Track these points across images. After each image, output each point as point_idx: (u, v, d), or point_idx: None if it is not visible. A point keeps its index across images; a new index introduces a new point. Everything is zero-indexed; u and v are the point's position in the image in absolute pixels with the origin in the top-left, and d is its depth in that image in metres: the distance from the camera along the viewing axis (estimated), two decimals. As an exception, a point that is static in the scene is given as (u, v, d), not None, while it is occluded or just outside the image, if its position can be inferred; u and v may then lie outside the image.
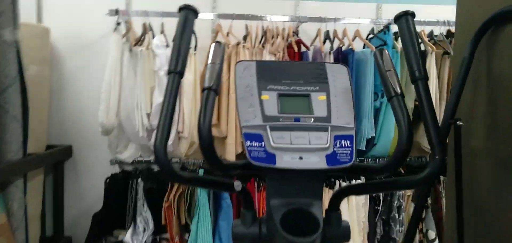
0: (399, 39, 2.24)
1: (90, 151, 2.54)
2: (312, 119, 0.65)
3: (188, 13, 0.73)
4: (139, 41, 2.19)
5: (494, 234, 0.75)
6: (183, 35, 0.71)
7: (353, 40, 2.24)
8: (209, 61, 0.68)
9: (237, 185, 0.66)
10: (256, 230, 0.65)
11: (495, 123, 0.74)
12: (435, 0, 2.55)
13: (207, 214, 2.16)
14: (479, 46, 0.76)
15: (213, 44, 0.71)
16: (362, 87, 2.12)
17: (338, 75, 0.72)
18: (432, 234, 2.12)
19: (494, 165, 0.74)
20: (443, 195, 2.24)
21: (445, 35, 2.26)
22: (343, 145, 0.63)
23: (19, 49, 1.86)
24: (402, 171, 2.31)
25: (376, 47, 2.12)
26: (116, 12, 2.17)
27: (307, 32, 2.43)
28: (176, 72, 0.68)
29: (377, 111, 2.17)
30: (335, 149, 0.63)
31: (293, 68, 0.73)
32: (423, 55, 2.00)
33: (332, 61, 2.17)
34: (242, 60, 0.75)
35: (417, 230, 2.19)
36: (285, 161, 0.60)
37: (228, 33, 2.23)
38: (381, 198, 2.18)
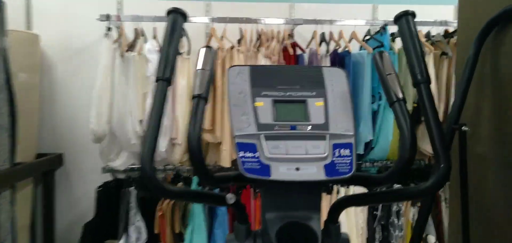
0: (397, 39, 2.21)
1: (82, 159, 2.48)
2: (309, 127, 0.61)
3: (176, 17, 0.69)
4: (131, 47, 2.14)
5: (503, 244, 0.71)
6: (171, 40, 0.67)
7: (349, 41, 2.20)
8: (199, 66, 0.64)
9: (230, 198, 0.62)
10: None
11: (502, 127, 0.70)
12: (432, 0, 2.53)
13: (202, 223, 2.11)
14: (484, 46, 0.72)
15: (203, 48, 0.66)
16: (360, 90, 2.08)
17: (335, 79, 0.68)
18: (432, 238, 2.09)
19: (502, 171, 0.70)
20: (442, 198, 2.21)
21: (442, 36, 2.23)
22: (342, 154, 0.59)
23: (7, 56, 1.81)
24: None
25: (373, 49, 2.09)
26: (107, 17, 2.12)
27: (303, 35, 2.39)
28: (164, 79, 0.63)
29: (374, 114, 2.13)
30: (333, 158, 0.59)
31: (288, 73, 0.69)
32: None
33: (328, 63, 2.13)
34: (235, 65, 0.70)
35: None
36: (280, 172, 0.56)
37: (222, 37, 2.19)
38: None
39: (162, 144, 2.09)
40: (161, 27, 2.14)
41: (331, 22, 2.21)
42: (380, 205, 2.14)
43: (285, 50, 2.16)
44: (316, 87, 0.66)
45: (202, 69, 0.63)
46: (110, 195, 2.25)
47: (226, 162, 2.13)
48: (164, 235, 2.15)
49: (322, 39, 2.24)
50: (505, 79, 0.69)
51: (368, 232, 2.15)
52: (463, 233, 0.73)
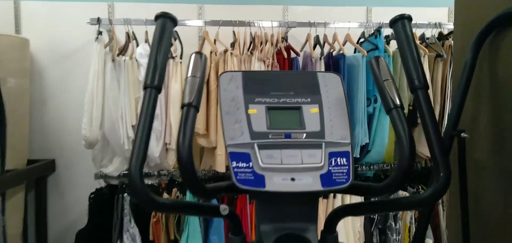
0: (391, 42, 2.21)
1: (74, 165, 2.45)
2: (304, 135, 0.60)
3: (165, 22, 0.67)
4: (123, 50, 2.11)
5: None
6: (160, 46, 0.65)
7: (343, 44, 2.19)
8: (189, 74, 0.62)
9: (224, 209, 0.61)
10: None
11: (500, 133, 0.68)
12: (425, 2, 2.53)
13: (197, 229, 2.08)
14: (481, 51, 0.70)
15: (193, 55, 0.64)
16: (355, 93, 2.07)
17: (331, 85, 0.67)
18: (429, 242, 2.07)
19: (501, 178, 0.69)
20: (439, 201, 2.20)
21: (437, 38, 2.23)
22: (339, 163, 0.58)
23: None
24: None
25: (367, 51, 2.08)
26: (98, 20, 2.09)
27: (296, 38, 2.38)
28: (153, 87, 0.61)
29: (370, 117, 2.12)
30: (330, 168, 0.57)
31: (282, 79, 0.68)
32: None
33: (322, 66, 2.12)
34: (227, 71, 0.68)
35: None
36: (275, 183, 0.54)
37: (215, 40, 2.17)
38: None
39: (156, 149, 2.06)
40: (153, 31, 2.11)
41: (325, 24, 2.20)
42: (377, 209, 2.13)
43: (279, 53, 2.14)
44: (311, 93, 0.64)
45: (193, 76, 0.61)
46: (103, 201, 2.21)
47: (221, 167, 2.10)
48: (159, 242, 2.12)
49: (317, 41, 2.23)
50: (503, 84, 0.67)
51: (366, 236, 2.14)
52: (463, 240, 0.71)
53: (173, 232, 2.14)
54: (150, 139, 0.58)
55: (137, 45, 2.16)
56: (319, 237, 0.61)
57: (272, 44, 2.13)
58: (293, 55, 2.20)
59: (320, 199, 2.07)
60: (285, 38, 2.25)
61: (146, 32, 2.15)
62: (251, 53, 2.14)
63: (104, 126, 2.08)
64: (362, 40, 2.28)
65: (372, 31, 2.20)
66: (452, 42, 2.09)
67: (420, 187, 2.22)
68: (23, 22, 2.36)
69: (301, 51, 2.28)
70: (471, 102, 0.74)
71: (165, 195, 2.17)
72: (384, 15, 2.43)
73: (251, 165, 0.55)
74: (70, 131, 2.40)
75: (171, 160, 2.15)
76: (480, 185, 0.74)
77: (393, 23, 0.68)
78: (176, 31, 2.16)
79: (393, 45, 2.22)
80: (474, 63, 0.70)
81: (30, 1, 2.35)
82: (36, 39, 2.32)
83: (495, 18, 0.67)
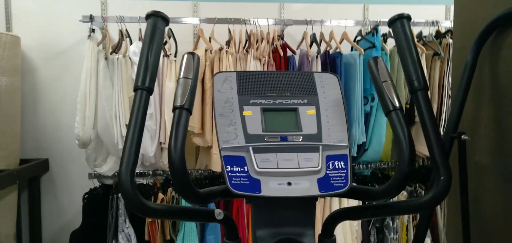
0: (388, 40, 2.19)
1: (68, 165, 2.42)
2: (301, 138, 0.58)
3: (156, 21, 0.65)
4: (116, 48, 2.08)
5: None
6: (152, 46, 0.63)
7: (340, 42, 2.17)
8: (181, 75, 0.60)
9: (218, 213, 0.60)
10: None
11: (501, 135, 0.67)
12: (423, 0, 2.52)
13: (193, 229, 2.07)
14: (482, 51, 0.69)
15: (185, 55, 0.62)
16: (352, 91, 2.05)
17: (328, 86, 0.65)
18: (427, 240, 2.07)
19: (502, 181, 0.67)
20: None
21: (434, 36, 2.21)
22: (337, 166, 0.56)
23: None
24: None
25: (364, 50, 2.06)
26: (90, 18, 2.05)
27: (293, 36, 2.36)
28: (144, 88, 0.59)
29: (367, 116, 2.11)
30: (327, 171, 0.55)
31: (278, 79, 0.66)
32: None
33: (319, 64, 2.10)
34: (221, 72, 0.66)
35: (412, 236, 2.13)
36: (271, 188, 0.53)
37: (210, 38, 2.14)
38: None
39: (151, 148, 2.04)
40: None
41: (321, 22, 2.18)
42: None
43: (275, 51, 2.12)
44: (307, 94, 0.63)
45: (185, 77, 0.59)
46: (98, 201, 2.19)
47: (216, 166, 2.08)
48: (155, 242, 2.09)
49: (313, 40, 2.21)
50: (504, 85, 0.66)
51: (363, 235, 2.14)
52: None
53: (169, 232, 2.12)
54: (141, 142, 0.57)
55: (131, 43, 2.13)
56: (316, 241, 0.60)
57: (268, 42, 2.11)
58: (289, 53, 2.18)
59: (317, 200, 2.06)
60: (281, 36, 2.23)
61: (140, 29, 2.12)
62: (247, 51, 2.11)
63: (98, 125, 2.05)
64: (359, 38, 2.27)
65: (369, 29, 2.18)
66: (451, 42, 2.08)
67: (417, 186, 2.21)
68: (14, 19, 2.31)
69: (297, 49, 2.26)
70: (472, 103, 0.73)
71: (160, 195, 2.15)
72: (381, 12, 2.42)
73: (246, 169, 0.54)
74: (63, 130, 2.36)
75: (166, 159, 2.12)
76: (480, 188, 0.72)
77: (391, 22, 0.67)
78: (170, 29, 2.13)
79: (390, 43, 2.21)
80: (474, 64, 0.68)
81: (21, -2, 2.32)
82: (27, 37, 2.28)
83: (495, 18, 0.66)
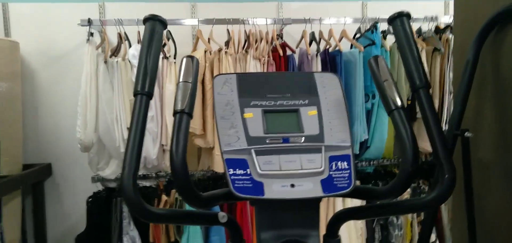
0: (388, 37, 2.19)
1: (71, 169, 2.42)
2: (303, 139, 0.58)
3: (154, 25, 0.64)
4: (115, 52, 2.08)
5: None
6: (150, 50, 0.63)
7: (340, 40, 2.17)
8: (180, 79, 0.60)
9: (222, 216, 0.59)
10: None
11: (505, 131, 0.66)
12: (421, -5, 2.51)
13: (198, 230, 2.07)
14: (483, 47, 0.68)
15: (184, 59, 0.62)
16: (352, 89, 2.05)
17: (328, 86, 0.65)
18: (432, 236, 2.07)
19: (505, 177, 0.67)
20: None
21: (433, 31, 2.21)
22: (340, 167, 0.56)
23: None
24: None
25: (364, 47, 2.06)
26: (89, 21, 2.05)
27: (292, 35, 2.35)
28: (144, 93, 0.59)
29: (368, 113, 2.10)
30: (331, 172, 0.55)
31: (278, 80, 0.66)
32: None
33: (319, 63, 2.10)
34: (221, 74, 0.66)
35: (417, 233, 2.13)
36: (274, 190, 0.52)
37: (209, 39, 2.14)
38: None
39: (153, 151, 2.03)
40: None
41: (320, 20, 2.17)
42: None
43: (274, 51, 2.12)
44: (308, 94, 0.63)
45: (185, 81, 0.59)
46: (101, 204, 2.19)
47: (219, 167, 2.08)
48: (159, 244, 2.10)
49: (312, 38, 2.20)
50: (507, 81, 0.65)
51: (368, 232, 2.13)
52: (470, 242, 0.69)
53: (174, 234, 2.12)
54: (142, 147, 0.56)
55: (130, 46, 2.12)
56: (321, 242, 0.59)
57: (267, 42, 2.11)
58: (289, 52, 2.18)
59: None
60: (280, 35, 2.23)
61: (138, 32, 2.11)
62: (246, 51, 2.11)
63: (99, 128, 2.05)
64: (358, 35, 2.26)
65: (368, 26, 2.17)
66: (451, 37, 2.08)
67: (421, 182, 2.21)
68: (12, 24, 2.31)
69: (296, 48, 2.25)
70: (474, 100, 0.72)
71: (164, 197, 2.15)
72: (379, 9, 2.41)
73: (248, 172, 0.53)
74: (65, 135, 2.36)
75: (169, 161, 2.12)
76: (484, 185, 0.72)
77: (391, 20, 0.66)
78: (169, 31, 2.12)
79: (390, 39, 2.20)
80: (476, 61, 0.68)
81: (19, 3, 2.31)
82: (26, 42, 2.27)
83: (497, 13, 0.65)
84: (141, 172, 2.16)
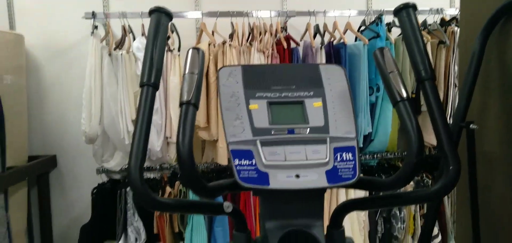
0: (393, 29, 2.17)
1: (76, 160, 2.44)
2: (308, 130, 0.58)
3: (160, 17, 0.65)
4: (119, 44, 2.09)
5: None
6: (156, 42, 0.63)
7: (344, 33, 2.15)
8: (186, 70, 0.60)
9: (227, 206, 0.60)
10: None
11: (510, 124, 0.66)
12: (427, -13, 2.49)
13: (201, 221, 2.08)
14: (489, 39, 0.68)
15: (190, 50, 0.62)
16: (357, 82, 2.04)
17: (333, 77, 0.65)
18: (435, 230, 2.07)
19: (510, 171, 0.67)
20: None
21: (439, 24, 2.19)
22: (345, 158, 0.56)
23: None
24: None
25: (369, 39, 2.05)
26: (93, 14, 2.05)
27: (296, 27, 2.34)
28: (150, 84, 0.59)
29: (372, 106, 2.10)
30: (335, 163, 0.55)
31: (283, 72, 0.66)
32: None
33: (323, 56, 2.09)
34: (226, 66, 0.66)
35: (419, 226, 2.14)
36: (279, 181, 0.52)
37: (213, 32, 2.14)
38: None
39: (157, 143, 2.05)
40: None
41: (324, 13, 2.16)
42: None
43: (278, 43, 2.11)
44: (313, 86, 0.63)
45: (191, 72, 0.59)
46: (106, 196, 2.21)
47: (223, 160, 2.09)
48: (164, 235, 2.12)
49: (316, 31, 2.19)
50: (512, 74, 0.65)
51: (370, 225, 2.14)
52: (474, 237, 0.69)
53: (177, 225, 2.14)
54: (149, 138, 0.57)
55: (134, 39, 2.13)
56: (325, 232, 0.60)
57: (271, 35, 2.10)
58: (293, 45, 2.17)
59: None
60: (284, 28, 2.22)
61: (143, 25, 2.12)
62: (250, 44, 2.11)
63: (104, 121, 2.07)
64: (363, 28, 2.25)
65: (373, 19, 2.16)
66: (456, 30, 2.06)
67: (424, 175, 2.21)
68: (17, 18, 2.31)
69: (301, 40, 2.24)
70: (480, 92, 0.72)
71: (168, 189, 2.16)
72: (384, 2, 2.39)
73: (254, 163, 0.53)
74: (70, 127, 2.38)
75: (173, 153, 2.14)
76: (489, 177, 0.72)
77: (397, 12, 0.66)
78: (173, 24, 2.12)
79: (395, 32, 2.19)
80: (482, 53, 0.67)
81: (23, -4, 2.32)
82: (31, 35, 2.28)
83: (503, 5, 0.65)
84: (145, 164, 2.17)
